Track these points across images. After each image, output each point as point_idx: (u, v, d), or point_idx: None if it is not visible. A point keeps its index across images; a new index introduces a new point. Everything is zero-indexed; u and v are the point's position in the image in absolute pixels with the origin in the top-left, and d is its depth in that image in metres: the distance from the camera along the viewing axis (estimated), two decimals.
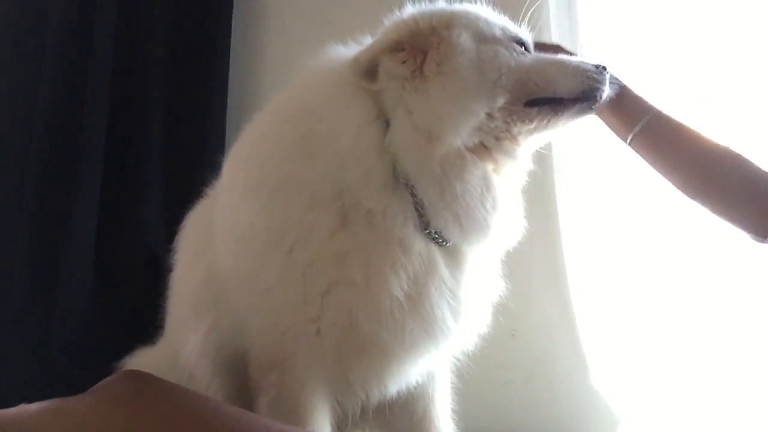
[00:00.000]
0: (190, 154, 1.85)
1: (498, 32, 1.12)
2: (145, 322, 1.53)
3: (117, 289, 1.82)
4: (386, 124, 1.08)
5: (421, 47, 1.09)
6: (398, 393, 1.22)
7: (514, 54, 1.11)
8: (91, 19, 1.87)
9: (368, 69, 1.10)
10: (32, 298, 1.78)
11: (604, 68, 1.13)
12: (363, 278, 1.06)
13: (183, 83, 1.91)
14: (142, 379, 1.00)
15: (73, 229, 1.80)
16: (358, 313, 1.07)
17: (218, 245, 1.18)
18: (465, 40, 1.09)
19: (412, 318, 1.09)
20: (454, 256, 1.13)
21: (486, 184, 1.09)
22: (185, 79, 1.91)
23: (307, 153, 1.08)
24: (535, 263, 1.72)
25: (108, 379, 1.01)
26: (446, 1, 1.17)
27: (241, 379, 1.16)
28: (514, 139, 1.11)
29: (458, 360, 1.31)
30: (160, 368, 1.13)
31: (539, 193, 1.72)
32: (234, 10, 1.96)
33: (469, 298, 1.15)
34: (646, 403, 1.66)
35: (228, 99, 1.90)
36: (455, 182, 1.06)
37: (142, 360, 1.36)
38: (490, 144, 1.10)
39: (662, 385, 1.66)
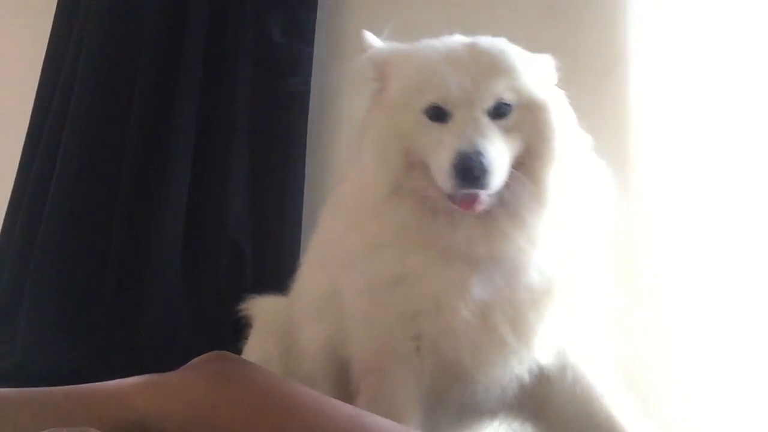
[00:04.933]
0: (274, 153, 1.92)
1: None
2: (229, 311, 1.58)
3: (203, 281, 1.87)
4: None
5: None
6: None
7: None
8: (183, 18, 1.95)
9: None
10: (123, 288, 1.86)
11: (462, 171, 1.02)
12: (433, 305, 1.11)
13: (267, 79, 1.96)
14: (230, 359, 1.05)
15: (162, 225, 1.87)
16: (440, 341, 1.13)
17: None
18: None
19: (487, 336, 1.11)
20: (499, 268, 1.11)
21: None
22: (270, 74, 1.96)
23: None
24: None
25: (199, 357, 1.04)
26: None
27: (348, 383, 1.23)
28: None
29: None
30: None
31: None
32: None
33: (529, 317, 1.12)
34: None
35: (309, 101, 1.94)
36: None
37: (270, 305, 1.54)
38: None
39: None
